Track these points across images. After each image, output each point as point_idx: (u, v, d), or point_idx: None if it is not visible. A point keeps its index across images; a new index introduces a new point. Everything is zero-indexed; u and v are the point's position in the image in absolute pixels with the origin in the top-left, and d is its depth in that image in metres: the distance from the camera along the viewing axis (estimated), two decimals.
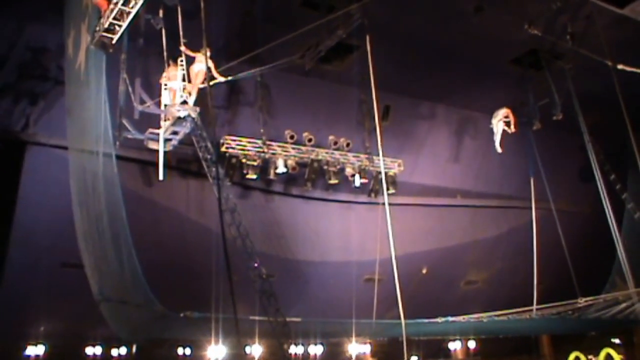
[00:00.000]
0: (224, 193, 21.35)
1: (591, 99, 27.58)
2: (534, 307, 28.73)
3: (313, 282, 30.80)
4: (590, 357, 40.57)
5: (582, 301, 29.13)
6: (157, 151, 21.29)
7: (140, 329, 23.97)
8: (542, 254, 29.60)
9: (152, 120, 21.24)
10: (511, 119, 26.95)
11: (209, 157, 21.10)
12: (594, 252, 32.39)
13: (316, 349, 33.87)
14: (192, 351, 32.92)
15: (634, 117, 27.73)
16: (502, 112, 27.01)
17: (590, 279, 30.54)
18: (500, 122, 27.02)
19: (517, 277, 33.69)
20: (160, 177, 20.65)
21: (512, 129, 26.95)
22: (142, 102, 20.68)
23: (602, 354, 38.81)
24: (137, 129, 21.08)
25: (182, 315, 21.09)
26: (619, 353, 39.03)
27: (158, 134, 21.09)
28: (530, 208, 30.15)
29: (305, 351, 32.47)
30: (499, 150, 27.11)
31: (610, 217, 26.94)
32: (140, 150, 23.34)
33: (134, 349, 33.76)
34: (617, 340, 41.02)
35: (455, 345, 40.12)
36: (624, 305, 30.20)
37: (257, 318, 22.16)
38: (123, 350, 34.71)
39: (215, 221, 19.98)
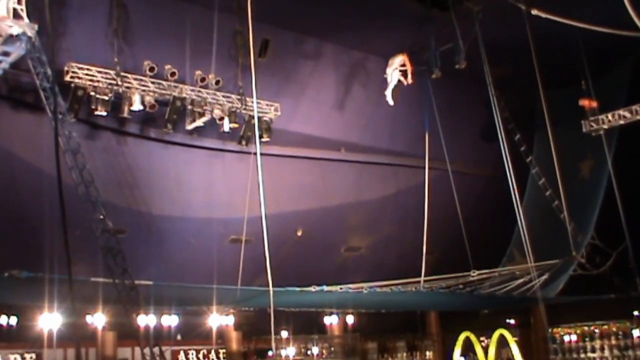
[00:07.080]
0: (65, 130, 20.92)
1: (500, 49, 28.32)
2: (422, 278, 29.35)
3: (170, 241, 30.54)
4: (482, 338, 42.10)
5: (474, 274, 29.89)
6: None
7: None
8: (434, 220, 30.38)
9: None
10: (408, 68, 27.32)
11: (47, 85, 20.58)
12: (492, 221, 33.52)
13: (171, 320, 33.62)
14: (18, 320, 31.76)
15: (545, 73, 28.72)
16: (399, 60, 27.37)
17: (486, 251, 31.54)
18: (395, 71, 27.35)
19: (405, 245, 34.54)
20: None
21: (409, 80, 27.36)
22: None
23: (495, 335, 40.40)
24: None
25: (6, 274, 20.47)
26: (513, 335, 40.73)
27: None
28: (424, 167, 30.81)
29: (158, 322, 32.14)
30: (391, 102, 27.49)
31: (512, 181, 27.89)
32: None
33: None
34: (512, 321, 42.59)
35: (331, 320, 40.62)
36: (521, 280, 31.45)
37: (100, 280, 21.86)
38: None
39: (53, 163, 19.53)
